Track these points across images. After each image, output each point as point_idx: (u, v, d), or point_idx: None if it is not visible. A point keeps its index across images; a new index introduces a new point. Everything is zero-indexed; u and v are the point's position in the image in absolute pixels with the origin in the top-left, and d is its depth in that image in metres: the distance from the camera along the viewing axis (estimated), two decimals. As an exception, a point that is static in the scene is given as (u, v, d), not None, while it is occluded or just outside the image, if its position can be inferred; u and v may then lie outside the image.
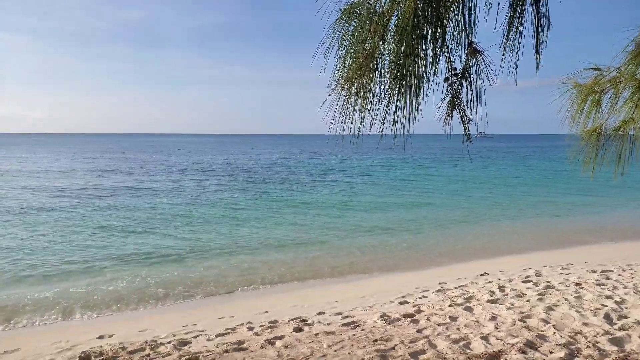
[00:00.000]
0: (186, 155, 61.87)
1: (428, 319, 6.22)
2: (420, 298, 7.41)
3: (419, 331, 5.77)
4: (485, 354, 4.93)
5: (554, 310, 6.33)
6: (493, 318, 6.09)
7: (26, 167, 39.34)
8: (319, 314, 6.88)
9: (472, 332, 5.60)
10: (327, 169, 39.60)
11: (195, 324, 6.94)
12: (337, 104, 2.14)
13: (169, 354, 5.47)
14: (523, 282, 8.08)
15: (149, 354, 5.48)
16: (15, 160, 47.68)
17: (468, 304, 6.78)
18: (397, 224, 15.52)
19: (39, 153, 64.36)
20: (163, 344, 5.84)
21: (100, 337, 6.51)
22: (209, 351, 5.48)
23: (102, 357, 5.44)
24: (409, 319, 6.26)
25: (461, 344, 5.26)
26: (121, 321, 7.39)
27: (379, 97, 2.15)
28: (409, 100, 2.11)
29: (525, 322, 5.86)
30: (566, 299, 6.81)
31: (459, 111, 2.26)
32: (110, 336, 6.54)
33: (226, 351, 5.45)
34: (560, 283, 7.84)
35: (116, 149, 79.25)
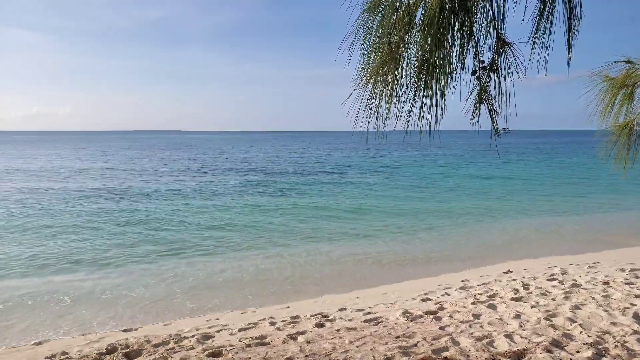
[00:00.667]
0: (214, 152, 62.44)
1: (451, 316, 6.17)
2: (442, 295, 7.35)
3: (441, 328, 5.72)
4: (509, 352, 4.86)
5: (580, 309, 6.20)
6: (517, 316, 6.00)
7: (58, 165, 40.26)
8: (341, 310, 6.89)
9: (495, 330, 5.53)
10: (349, 165, 39.47)
11: (217, 319, 7.02)
12: (362, 98, 2.13)
13: (192, 348, 5.54)
14: (548, 280, 7.94)
15: (173, 348, 5.56)
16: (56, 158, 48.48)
17: (491, 302, 6.70)
18: (417, 222, 15.38)
19: (66, 150, 65.74)
20: (187, 338, 5.92)
21: (126, 331, 6.64)
22: (232, 345, 5.53)
23: (127, 350, 5.54)
24: (432, 316, 6.22)
25: (484, 341, 5.20)
26: (145, 315, 7.50)
27: (405, 92, 2.13)
28: (435, 95, 2.08)
29: (551, 321, 5.75)
30: (593, 298, 6.67)
31: (487, 105, 2.22)
32: (136, 330, 6.66)
33: (249, 345, 5.49)
34: (587, 282, 7.68)
35: (139, 146, 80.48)
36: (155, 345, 5.66)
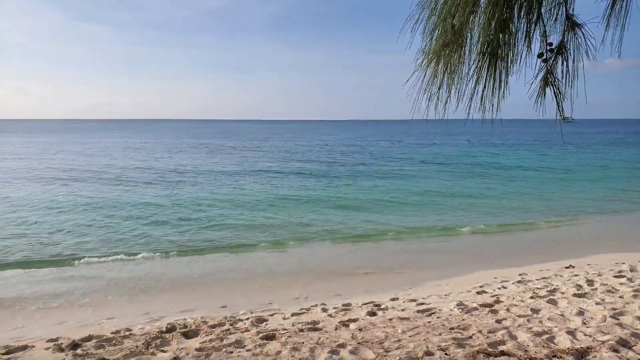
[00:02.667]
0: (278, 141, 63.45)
1: (508, 310, 5.99)
2: (499, 288, 7.14)
3: (498, 321, 5.57)
4: (571, 350, 4.66)
5: (650, 307, 5.84)
6: (580, 313, 5.73)
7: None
8: (393, 299, 6.85)
9: (556, 326, 5.31)
10: (407, 156, 38.78)
11: (270, 303, 7.18)
12: (422, 81, 2.08)
13: (247, 330, 5.70)
14: (615, 277, 7.52)
15: (228, 329, 5.74)
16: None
17: (552, 297, 6.44)
18: (475, 215, 14.95)
19: (133, 139, 68.78)
20: (241, 320, 6.10)
21: (184, 312, 6.92)
22: (285, 329, 5.64)
23: (186, 330, 5.78)
24: (487, 309, 6.06)
25: (544, 337, 5.01)
26: (202, 298, 7.77)
27: (467, 75, 2.06)
28: (499, 78, 2.00)
29: (618, 319, 5.45)
30: (665, 297, 6.26)
31: (553, 88, 2.11)
32: (193, 311, 6.93)
33: (301, 330, 5.58)
34: (658, 280, 7.21)
35: (201, 135, 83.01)
36: (212, 326, 5.87)
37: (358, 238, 12.10)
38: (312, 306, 6.69)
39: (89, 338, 5.51)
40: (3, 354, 5.10)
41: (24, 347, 5.28)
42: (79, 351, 5.10)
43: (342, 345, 5.02)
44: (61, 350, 5.16)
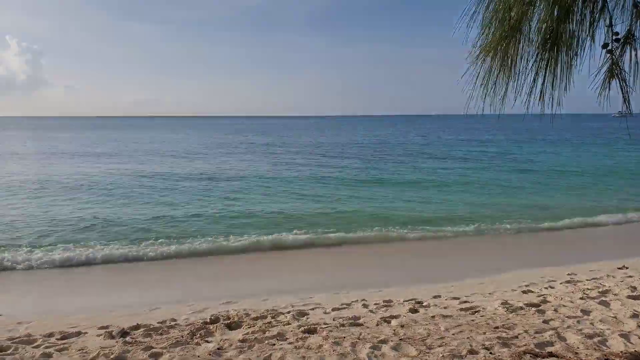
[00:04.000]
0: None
1: (556, 310, 5.79)
2: (546, 288, 6.92)
3: (545, 322, 5.40)
4: (625, 353, 4.46)
5: None
6: (635, 315, 5.47)
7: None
8: (435, 297, 6.75)
9: (608, 329, 5.10)
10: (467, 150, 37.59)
11: (311, 297, 7.20)
12: (478, 76, 2.01)
13: (288, 323, 5.75)
14: (673, 278, 7.15)
15: (270, 322, 5.81)
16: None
17: (603, 298, 6.18)
18: (523, 214, 14.45)
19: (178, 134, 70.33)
20: (283, 314, 6.16)
21: (227, 303, 7.04)
22: (326, 324, 5.66)
23: (229, 321, 5.88)
24: (534, 309, 5.89)
25: (596, 339, 4.82)
26: (245, 290, 7.89)
27: (525, 68, 1.98)
28: (560, 70, 1.91)
29: (675, 323, 5.19)
30: None
31: (619, 80, 2.00)
32: (236, 302, 7.04)
33: (343, 325, 5.58)
34: None
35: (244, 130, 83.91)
36: (254, 319, 5.95)
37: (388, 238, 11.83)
38: (352, 302, 6.68)
39: (137, 327, 5.69)
40: (59, 339, 5.35)
41: (78, 333, 5.51)
42: (128, 339, 5.29)
43: (384, 341, 4.99)
44: (112, 337, 5.36)
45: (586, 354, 4.51)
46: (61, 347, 5.06)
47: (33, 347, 5.08)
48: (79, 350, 4.98)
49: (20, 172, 23.81)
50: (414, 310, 6.10)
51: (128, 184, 20.01)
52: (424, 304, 6.38)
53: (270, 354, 4.75)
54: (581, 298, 6.24)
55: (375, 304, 6.51)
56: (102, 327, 5.67)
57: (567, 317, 5.53)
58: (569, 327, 5.21)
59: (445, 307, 6.18)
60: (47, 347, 5.06)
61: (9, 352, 4.97)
